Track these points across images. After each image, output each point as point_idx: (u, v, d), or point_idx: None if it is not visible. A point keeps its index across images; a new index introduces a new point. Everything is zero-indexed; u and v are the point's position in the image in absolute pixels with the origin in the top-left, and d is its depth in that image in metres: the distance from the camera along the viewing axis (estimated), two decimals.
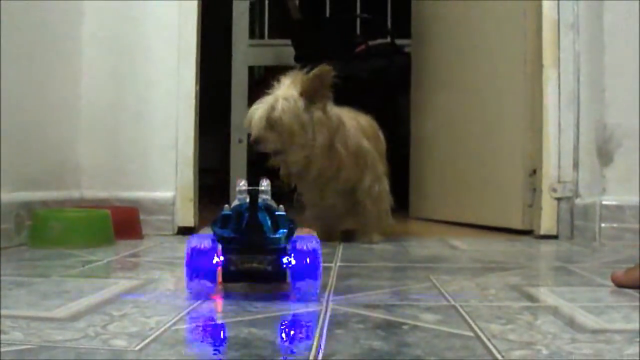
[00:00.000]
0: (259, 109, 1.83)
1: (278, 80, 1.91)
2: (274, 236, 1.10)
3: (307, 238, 1.14)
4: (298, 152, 1.87)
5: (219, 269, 1.12)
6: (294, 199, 2.07)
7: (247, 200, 1.12)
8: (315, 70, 1.84)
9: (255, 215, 1.11)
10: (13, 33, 1.89)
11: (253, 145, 1.86)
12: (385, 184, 2.05)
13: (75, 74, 2.31)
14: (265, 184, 1.16)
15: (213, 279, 1.13)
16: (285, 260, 1.12)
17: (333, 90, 1.88)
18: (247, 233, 1.11)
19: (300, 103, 1.83)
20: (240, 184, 1.14)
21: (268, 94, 1.88)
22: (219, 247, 1.12)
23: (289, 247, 1.12)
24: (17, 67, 1.91)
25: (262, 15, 4.96)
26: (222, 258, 1.12)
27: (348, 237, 2.10)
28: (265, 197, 1.14)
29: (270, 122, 1.81)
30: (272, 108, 1.81)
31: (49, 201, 2.08)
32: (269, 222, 1.11)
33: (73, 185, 2.28)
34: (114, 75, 2.35)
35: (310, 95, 1.84)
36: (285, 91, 1.84)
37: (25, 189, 1.95)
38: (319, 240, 1.14)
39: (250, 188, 1.13)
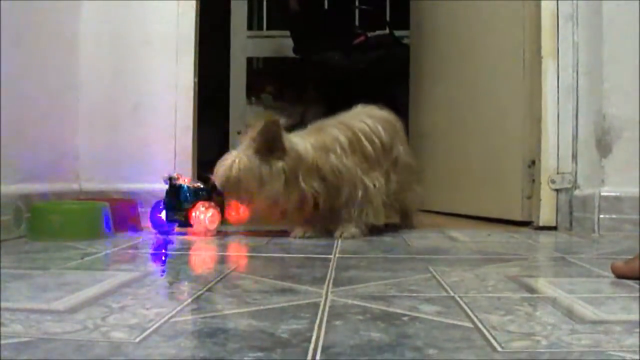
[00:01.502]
0: (222, 167, 1.92)
1: (244, 133, 2.01)
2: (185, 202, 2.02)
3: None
4: (262, 200, 1.94)
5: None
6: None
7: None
8: (260, 127, 1.90)
9: (173, 191, 2.05)
10: (11, 24, 1.88)
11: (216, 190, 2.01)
12: (369, 188, 2.02)
13: (74, 66, 2.30)
14: (175, 174, 2.08)
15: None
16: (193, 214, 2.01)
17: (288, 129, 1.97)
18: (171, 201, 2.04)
19: (255, 160, 1.89)
20: (165, 175, 2.07)
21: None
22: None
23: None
24: (15, 59, 1.91)
25: (261, 6, 4.96)
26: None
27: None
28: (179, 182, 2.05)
29: (230, 181, 1.90)
30: (231, 168, 1.90)
31: (48, 193, 2.07)
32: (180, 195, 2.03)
33: (72, 178, 2.28)
34: (112, 67, 2.35)
35: (263, 151, 1.89)
36: (243, 149, 1.92)
37: (24, 182, 1.95)
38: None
39: (169, 176, 2.06)
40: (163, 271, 1.43)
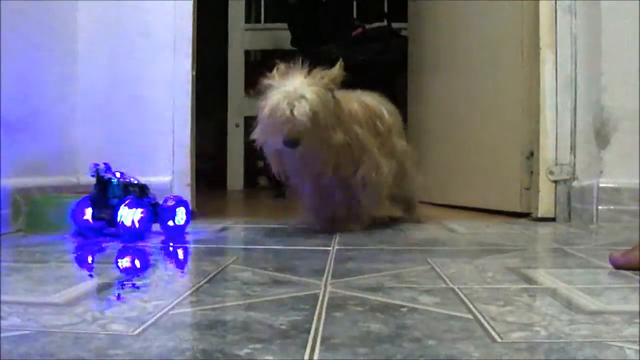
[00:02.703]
0: (293, 101, 1.70)
1: (277, 69, 1.81)
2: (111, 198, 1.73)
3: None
4: (325, 152, 1.80)
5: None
6: (285, 194, 2.03)
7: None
8: (339, 66, 1.81)
9: (101, 185, 1.76)
10: (8, 16, 1.88)
11: (288, 144, 1.72)
12: (383, 170, 1.97)
13: (72, 59, 2.30)
14: (103, 165, 1.77)
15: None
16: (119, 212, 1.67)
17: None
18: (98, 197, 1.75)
19: (332, 100, 1.77)
20: (91, 166, 1.78)
21: (270, 85, 1.79)
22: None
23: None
24: (13, 53, 1.90)
25: None
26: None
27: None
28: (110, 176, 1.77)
29: (309, 118, 1.70)
30: (309, 101, 1.71)
31: (46, 187, 2.07)
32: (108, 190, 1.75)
33: (70, 171, 2.28)
34: (110, 60, 2.34)
35: (332, 92, 1.79)
36: (308, 85, 1.75)
37: (22, 175, 1.95)
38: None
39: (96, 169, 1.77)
40: (161, 264, 1.43)
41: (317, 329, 0.80)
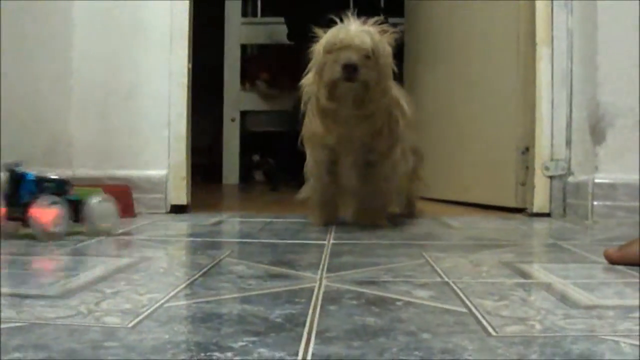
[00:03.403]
0: (357, 32, 1.67)
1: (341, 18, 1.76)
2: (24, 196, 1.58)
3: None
4: (378, 96, 1.73)
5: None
6: (277, 183, 1.98)
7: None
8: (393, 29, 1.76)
9: (14, 182, 1.60)
10: (4, 11, 1.87)
11: (347, 68, 1.65)
12: (407, 162, 1.93)
13: (67, 51, 2.29)
14: (18, 162, 1.62)
15: None
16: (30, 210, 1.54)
17: None
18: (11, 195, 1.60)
19: (389, 48, 1.73)
20: (5, 163, 1.64)
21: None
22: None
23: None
24: (8, 46, 1.90)
25: None
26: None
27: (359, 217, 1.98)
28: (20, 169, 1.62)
29: (370, 49, 1.66)
30: (371, 35, 1.67)
31: None
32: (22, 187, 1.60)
33: (65, 164, 2.28)
34: (106, 53, 2.34)
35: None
36: (371, 29, 1.71)
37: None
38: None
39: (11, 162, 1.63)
40: (156, 257, 1.43)
41: (312, 322, 0.80)
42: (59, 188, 1.66)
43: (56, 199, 1.60)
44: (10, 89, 1.91)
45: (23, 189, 1.60)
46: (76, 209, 1.66)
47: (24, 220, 1.57)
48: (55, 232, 1.56)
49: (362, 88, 1.69)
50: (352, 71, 1.64)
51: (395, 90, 1.91)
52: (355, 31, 1.66)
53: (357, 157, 1.85)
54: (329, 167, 1.89)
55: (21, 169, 1.62)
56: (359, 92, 1.70)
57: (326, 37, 1.70)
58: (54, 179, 1.67)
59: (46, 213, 1.56)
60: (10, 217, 1.60)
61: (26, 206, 1.56)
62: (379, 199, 1.94)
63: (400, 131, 1.87)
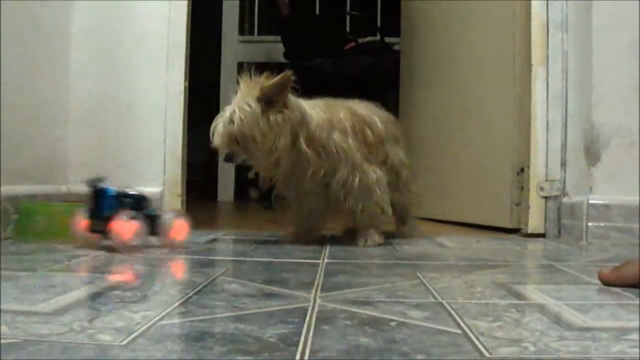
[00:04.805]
0: (219, 123, 1.83)
1: (237, 83, 1.90)
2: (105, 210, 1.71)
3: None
4: (265, 159, 1.84)
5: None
6: (271, 200, 2.04)
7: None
8: (277, 79, 1.82)
9: (94, 199, 1.74)
10: (2, 25, 1.87)
11: (226, 160, 1.87)
12: (369, 176, 1.94)
13: (64, 68, 2.30)
14: (100, 179, 1.78)
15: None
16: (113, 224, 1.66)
17: (295, 88, 1.86)
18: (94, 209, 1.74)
19: (258, 110, 1.81)
20: (89, 180, 1.78)
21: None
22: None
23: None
24: (5, 61, 1.90)
25: (252, 11, 4.96)
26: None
27: (348, 236, 2.04)
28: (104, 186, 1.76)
29: (232, 136, 1.80)
30: (231, 121, 1.80)
31: (36, 195, 2.07)
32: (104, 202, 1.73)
33: (60, 180, 2.27)
34: (102, 70, 2.34)
35: (268, 100, 1.82)
36: (242, 99, 1.83)
37: (12, 183, 1.94)
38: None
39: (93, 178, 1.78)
40: (150, 275, 1.42)
41: (305, 342, 0.80)
42: (138, 203, 1.77)
43: (135, 213, 1.72)
44: (6, 105, 1.91)
45: (104, 204, 1.73)
46: (152, 224, 1.77)
47: (105, 233, 1.69)
48: (134, 245, 1.68)
49: (251, 159, 1.87)
50: (230, 160, 1.85)
51: (348, 113, 1.98)
52: (218, 132, 1.83)
53: (309, 185, 1.93)
54: (289, 192, 2.02)
55: (102, 185, 1.76)
56: (256, 163, 1.90)
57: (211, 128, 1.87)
58: (132, 195, 1.79)
59: (126, 227, 1.68)
60: (92, 230, 1.74)
61: (107, 220, 1.68)
62: (365, 212, 1.97)
63: (346, 150, 1.92)
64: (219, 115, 1.85)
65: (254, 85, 1.84)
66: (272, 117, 1.80)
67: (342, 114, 1.96)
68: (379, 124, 2.04)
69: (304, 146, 1.85)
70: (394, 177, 2.08)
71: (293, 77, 1.83)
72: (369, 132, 2.00)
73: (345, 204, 1.95)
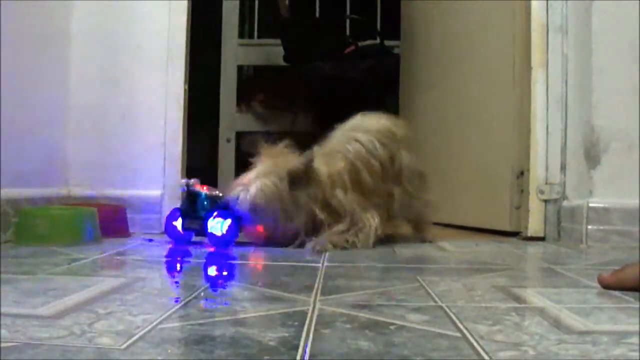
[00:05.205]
0: (241, 191, 1.89)
1: (261, 151, 1.96)
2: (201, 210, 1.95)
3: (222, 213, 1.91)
4: (284, 229, 1.91)
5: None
6: None
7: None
8: (305, 161, 1.88)
9: (190, 199, 1.98)
10: (2, 27, 1.88)
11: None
12: (365, 227, 1.97)
13: (64, 71, 2.30)
14: (193, 181, 2.00)
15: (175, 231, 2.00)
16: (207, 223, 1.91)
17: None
18: (187, 209, 1.98)
19: (285, 191, 1.87)
20: (182, 182, 2.03)
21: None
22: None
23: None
24: (5, 64, 1.90)
25: (252, 14, 4.96)
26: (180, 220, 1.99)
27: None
28: (195, 188, 1.98)
29: (253, 206, 1.87)
30: (251, 194, 1.87)
31: (36, 198, 2.07)
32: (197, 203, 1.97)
33: (60, 183, 2.27)
34: (102, 73, 2.34)
35: (294, 179, 1.88)
36: (264, 174, 1.89)
37: (12, 186, 1.94)
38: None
39: (187, 182, 2.00)
40: (151, 278, 1.42)
41: (305, 346, 0.80)
42: (227, 204, 1.94)
43: (226, 213, 1.91)
44: (6, 108, 1.91)
45: (200, 205, 1.97)
46: (239, 223, 1.94)
47: (199, 231, 1.96)
48: (228, 241, 1.91)
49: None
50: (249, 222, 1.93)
51: (345, 161, 2.01)
52: (237, 194, 1.90)
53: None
54: None
55: (194, 188, 1.99)
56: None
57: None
58: (220, 196, 1.99)
59: (220, 225, 1.91)
60: (185, 229, 1.98)
61: (203, 219, 1.92)
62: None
63: (347, 207, 1.97)
64: (241, 181, 1.92)
65: (278, 157, 1.91)
66: (296, 196, 1.88)
67: (340, 165, 1.99)
68: (380, 150, 2.04)
69: (318, 213, 1.92)
70: (410, 186, 2.11)
71: (314, 155, 1.91)
72: (365, 175, 2.01)
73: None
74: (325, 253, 1.80)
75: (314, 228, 1.94)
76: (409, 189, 2.11)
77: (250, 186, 1.88)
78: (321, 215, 1.91)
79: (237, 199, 1.89)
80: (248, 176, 1.90)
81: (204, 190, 1.99)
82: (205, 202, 1.97)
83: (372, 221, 1.99)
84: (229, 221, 1.90)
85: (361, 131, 2.07)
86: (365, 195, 2.01)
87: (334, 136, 2.07)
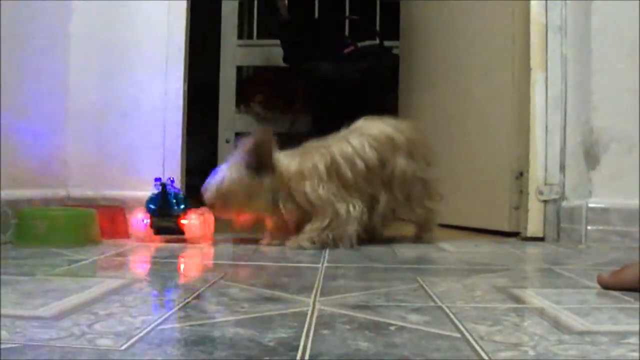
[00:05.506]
0: (212, 181, 1.98)
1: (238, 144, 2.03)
2: (175, 208, 2.05)
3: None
4: (249, 214, 2.02)
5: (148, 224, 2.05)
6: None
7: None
8: (251, 143, 1.95)
9: (165, 197, 2.06)
10: (1, 27, 1.88)
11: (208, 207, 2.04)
12: (342, 209, 1.98)
13: (63, 71, 2.30)
14: (171, 180, 2.11)
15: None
16: (182, 221, 2.04)
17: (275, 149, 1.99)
18: (161, 207, 2.05)
19: (244, 175, 1.95)
20: (157, 182, 2.09)
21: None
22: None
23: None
24: (4, 64, 1.90)
25: (251, 15, 4.96)
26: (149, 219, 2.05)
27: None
28: (171, 187, 2.08)
29: (220, 194, 1.96)
30: (221, 182, 1.96)
31: (35, 199, 2.06)
32: (173, 200, 2.06)
33: (59, 184, 2.27)
34: (102, 74, 2.34)
35: (253, 165, 1.94)
36: (233, 163, 1.97)
37: (11, 187, 1.94)
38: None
39: (162, 182, 2.07)
40: (150, 279, 1.42)
41: (305, 347, 0.80)
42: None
43: (203, 209, 2.05)
44: (5, 106, 1.91)
45: (174, 203, 2.06)
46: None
47: (173, 229, 2.04)
48: (208, 234, 2.09)
49: (224, 211, 2.03)
50: (211, 208, 2.04)
51: (322, 156, 2.03)
52: (209, 189, 1.99)
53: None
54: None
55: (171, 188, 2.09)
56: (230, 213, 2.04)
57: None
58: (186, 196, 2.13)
59: (201, 220, 2.06)
60: (157, 227, 2.05)
61: (178, 217, 2.04)
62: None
63: (320, 197, 1.99)
64: (213, 173, 2.00)
65: (241, 151, 1.98)
66: (261, 181, 1.95)
67: (316, 159, 2.00)
68: (370, 153, 2.04)
69: (281, 205, 1.98)
70: (403, 192, 2.09)
71: (274, 137, 1.99)
72: (348, 172, 2.01)
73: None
74: (326, 252, 1.80)
75: (298, 226, 2.00)
76: (399, 197, 2.08)
77: (217, 178, 1.97)
78: (283, 207, 1.98)
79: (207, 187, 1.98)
80: (221, 168, 2.00)
81: (173, 189, 2.11)
82: (180, 201, 2.07)
83: (352, 210, 1.99)
84: (205, 217, 2.05)
85: (356, 134, 2.07)
86: (345, 188, 2.01)
87: (330, 137, 2.08)
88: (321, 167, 1.99)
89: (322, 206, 1.98)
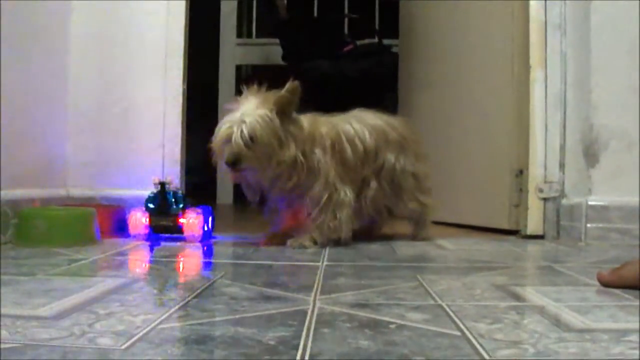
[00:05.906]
0: (234, 126, 1.85)
1: (240, 95, 1.94)
2: (174, 207, 2.05)
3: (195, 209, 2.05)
4: (273, 169, 1.89)
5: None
6: (265, 211, 2.07)
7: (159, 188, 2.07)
8: (288, 87, 1.88)
9: (163, 196, 2.06)
10: (1, 27, 1.88)
11: (229, 165, 1.86)
12: (339, 194, 1.97)
13: (63, 71, 2.30)
14: (168, 179, 2.10)
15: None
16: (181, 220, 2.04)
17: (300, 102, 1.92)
18: (160, 206, 2.05)
19: (277, 120, 1.86)
20: (155, 180, 2.07)
21: (229, 109, 1.92)
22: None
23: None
24: (4, 64, 1.90)
25: (250, 14, 4.96)
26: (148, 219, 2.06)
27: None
28: (170, 186, 2.08)
29: (246, 140, 1.83)
30: (248, 126, 1.83)
31: (35, 199, 2.06)
32: (172, 199, 2.06)
33: (59, 184, 2.27)
34: (101, 73, 2.34)
35: (282, 112, 1.87)
36: (256, 108, 1.87)
37: (11, 187, 1.94)
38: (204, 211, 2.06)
39: (161, 181, 2.06)
40: (150, 278, 1.42)
41: (305, 345, 0.80)
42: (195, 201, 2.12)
43: (200, 209, 2.07)
44: (5, 109, 1.91)
45: (173, 203, 2.06)
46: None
47: (171, 228, 2.05)
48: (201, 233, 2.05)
49: (250, 168, 1.88)
50: (233, 165, 1.85)
51: (330, 130, 2.02)
52: (230, 131, 1.85)
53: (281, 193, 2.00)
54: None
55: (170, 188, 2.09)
56: (249, 171, 1.90)
57: (216, 131, 1.91)
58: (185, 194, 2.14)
59: (198, 220, 2.04)
60: (154, 226, 2.05)
61: (176, 216, 2.04)
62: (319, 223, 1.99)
63: (322, 167, 1.96)
64: (227, 120, 1.88)
65: (263, 95, 1.90)
66: (285, 129, 1.87)
67: (324, 130, 1.99)
68: (367, 138, 2.06)
69: (300, 158, 1.90)
70: (393, 186, 2.11)
71: (299, 88, 1.89)
72: (349, 151, 2.02)
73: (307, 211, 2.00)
74: (326, 251, 1.80)
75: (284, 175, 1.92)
76: (387, 188, 2.10)
77: (244, 121, 1.84)
78: (303, 161, 1.90)
79: (231, 135, 1.84)
80: (236, 114, 1.87)
81: (175, 188, 2.11)
82: (178, 200, 2.06)
83: (349, 194, 1.99)
84: (202, 217, 2.04)
85: (355, 119, 2.10)
86: (344, 169, 2.01)
87: (325, 116, 2.08)
88: (328, 141, 1.98)
89: (324, 176, 1.95)
